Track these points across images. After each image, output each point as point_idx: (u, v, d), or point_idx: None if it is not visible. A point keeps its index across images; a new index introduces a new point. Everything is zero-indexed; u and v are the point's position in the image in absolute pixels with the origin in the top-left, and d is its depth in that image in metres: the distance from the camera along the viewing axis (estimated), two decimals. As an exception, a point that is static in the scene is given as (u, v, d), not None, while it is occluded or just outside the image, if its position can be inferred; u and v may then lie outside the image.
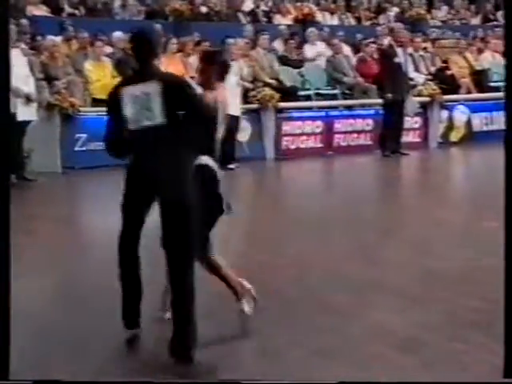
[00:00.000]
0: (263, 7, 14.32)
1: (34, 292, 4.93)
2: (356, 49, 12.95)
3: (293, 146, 11.33)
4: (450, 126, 12.58)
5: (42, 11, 11.97)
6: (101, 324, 4.17)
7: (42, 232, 6.55)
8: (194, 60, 11.22)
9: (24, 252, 6.12)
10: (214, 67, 4.28)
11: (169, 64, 11.08)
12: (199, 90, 4.16)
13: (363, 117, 11.96)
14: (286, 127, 11.33)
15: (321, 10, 14.81)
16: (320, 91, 12.04)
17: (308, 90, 11.98)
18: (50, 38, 10.32)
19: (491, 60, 13.47)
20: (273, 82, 11.53)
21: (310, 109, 11.74)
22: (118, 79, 10.26)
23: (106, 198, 8.05)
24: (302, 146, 11.38)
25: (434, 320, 4.26)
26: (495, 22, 15.37)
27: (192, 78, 10.80)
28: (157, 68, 3.98)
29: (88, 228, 7.19)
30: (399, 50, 11.63)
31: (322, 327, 4.15)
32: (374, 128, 11.84)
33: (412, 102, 11.68)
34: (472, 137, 12.60)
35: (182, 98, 3.83)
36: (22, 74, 8.50)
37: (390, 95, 11.37)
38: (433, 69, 13.05)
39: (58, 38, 10.63)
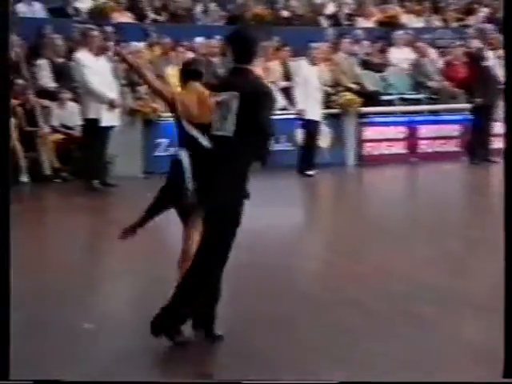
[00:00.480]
0: (345, 10, 14.27)
1: (114, 296, 5.09)
2: (442, 52, 12.72)
3: (375, 152, 11.24)
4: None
5: (126, 18, 12.36)
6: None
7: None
8: (274, 65, 11.34)
9: (104, 257, 6.36)
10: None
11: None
12: (281, 99, 4.23)
13: (450, 122, 11.73)
14: (368, 133, 11.25)
15: (406, 12, 14.63)
16: (403, 96, 11.89)
17: (391, 94, 11.86)
18: (134, 44, 10.64)
19: None
20: (354, 86, 11.48)
21: (392, 114, 11.62)
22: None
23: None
24: (385, 151, 11.28)
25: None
26: None
27: (272, 82, 11.04)
28: (247, 73, 3.95)
29: (168, 234, 7.35)
30: (489, 53, 11.35)
31: (403, 338, 4.11)
32: (462, 134, 11.59)
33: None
34: None
35: (254, 112, 3.80)
36: (106, 80, 8.81)
37: (479, 100, 11.11)
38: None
39: (142, 44, 10.95)
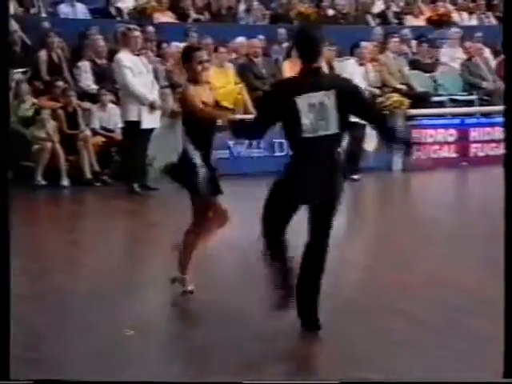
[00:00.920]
0: (394, 8, 14.12)
1: (153, 302, 5.11)
2: (497, 51, 12.46)
3: (423, 156, 11.06)
4: None
5: (168, 18, 12.45)
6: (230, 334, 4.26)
7: (164, 241, 6.75)
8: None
9: (143, 261, 6.39)
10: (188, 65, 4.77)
11: (292, 69, 11.19)
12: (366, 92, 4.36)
13: (503, 125, 11.47)
14: (416, 135, 11.08)
15: (458, 9, 14.40)
16: (454, 97, 11.69)
17: (441, 95, 11.67)
18: (175, 44, 10.69)
19: None
20: (402, 87, 11.33)
21: (442, 116, 11.43)
22: (241, 85, 10.65)
23: (229, 208, 8.22)
24: (434, 155, 11.09)
25: None
26: None
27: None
28: (325, 72, 4.15)
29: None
30: (546, 52, 11.07)
31: (456, 353, 4.00)
32: (516, 137, 11.33)
33: None
34: None
35: (356, 105, 4.05)
36: (147, 81, 8.86)
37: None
38: None
39: (183, 45, 10.98)
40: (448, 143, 11.20)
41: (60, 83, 9.68)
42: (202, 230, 4.89)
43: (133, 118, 8.72)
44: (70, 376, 3.55)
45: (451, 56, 12.23)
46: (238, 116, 10.38)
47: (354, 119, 4.20)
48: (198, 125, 4.80)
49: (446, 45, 12.46)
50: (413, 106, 10.98)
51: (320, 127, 3.97)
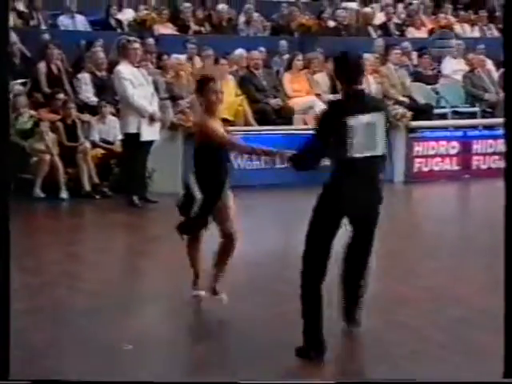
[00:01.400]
0: (395, 20, 14.20)
1: (154, 316, 5.11)
2: (499, 63, 12.52)
3: (425, 169, 11.09)
4: None
5: (168, 29, 12.51)
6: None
7: (163, 255, 6.78)
8: (320, 77, 11.32)
9: (143, 275, 6.40)
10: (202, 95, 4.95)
11: (294, 81, 11.25)
12: None
13: (506, 137, 11.51)
14: (418, 148, 11.11)
15: (460, 21, 14.49)
16: (457, 109, 11.74)
17: (443, 107, 11.71)
18: (175, 56, 10.75)
19: None
20: (404, 99, 11.37)
21: (445, 128, 11.47)
22: (242, 97, 10.69)
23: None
24: (436, 168, 11.12)
25: None
26: None
27: (318, 95, 11.03)
28: (370, 94, 4.30)
29: (210, 251, 7.35)
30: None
31: (459, 368, 4.01)
32: (519, 149, 11.35)
33: None
34: None
35: (388, 128, 4.35)
36: (147, 93, 8.90)
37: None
38: None
39: (183, 57, 11.05)
40: (450, 155, 11.23)
41: (60, 95, 9.73)
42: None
43: (132, 130, 8.76)
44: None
45: (453, 68, 12.29)
46: (239, 128, 10.48)
47: None
48: (215, 151, 4.90)
49: (451, 56, 12.52)
50: (415, 118, 11.02)
51: (368, 148, 4.15)
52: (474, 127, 11.61)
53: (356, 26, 13.65)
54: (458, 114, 11.72)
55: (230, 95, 10.68)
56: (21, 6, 12.06)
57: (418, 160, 11.08)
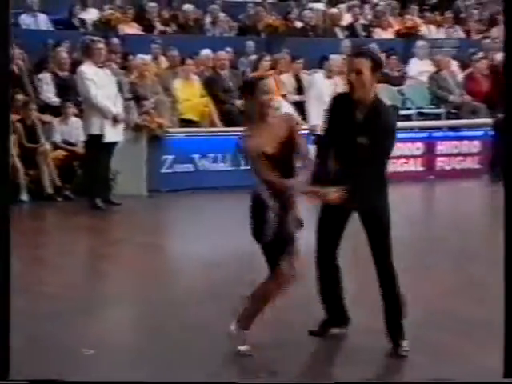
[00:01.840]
0: (362, 21, 14.34)
1: (116, 320, 5.11)
2: (465, 65, 12.73)
3: (389, 170, 11.17)
4: None
5: (133, 29, 12.47)
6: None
7: (127, 258, 6.77)
8: (287, 78, 11.39)
9: (106, 278, 6.38)
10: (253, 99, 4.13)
11: (260, 82, 11.28)
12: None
13: (470, 138, 11.71)
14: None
15: (426, 22, 14.68)
16: (422, 110, 11.89)
17: (409, 109, 11.86)
18: (140, 56, 10.72)
19: None
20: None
21: (410, 129, 11.61)
22: (207, 98, 10.71)
23: (193, 223, 8.26)
24: (401, 169, 11.25)
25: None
26: None
27: (284, 96, 11.08)
28: None
29: (174, 254, 7.36)
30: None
31: (414, 366, 4.08)
32: (483, 150, 11.57)
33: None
34: None
35: None
36: (111, 94, 8.87)
37: (501, 115, 11.09)
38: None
39: (148, 57, 11.01)
40: (414, 156, 11.37)
41: (20, 96, 9.63)
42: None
43: (95, 131, 8.72)
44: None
45: (419, 69, 12.44)
46: (204, 129, 10.50)
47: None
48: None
49: (418, 57, 12.67)
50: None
51: None
52: (439, 128, 11.79)
53: (323, 26, 13.76)
54: (423, 116, 11.88)
55: (195, 96, 10.70)
56: (-19, 4, 11.91)
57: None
